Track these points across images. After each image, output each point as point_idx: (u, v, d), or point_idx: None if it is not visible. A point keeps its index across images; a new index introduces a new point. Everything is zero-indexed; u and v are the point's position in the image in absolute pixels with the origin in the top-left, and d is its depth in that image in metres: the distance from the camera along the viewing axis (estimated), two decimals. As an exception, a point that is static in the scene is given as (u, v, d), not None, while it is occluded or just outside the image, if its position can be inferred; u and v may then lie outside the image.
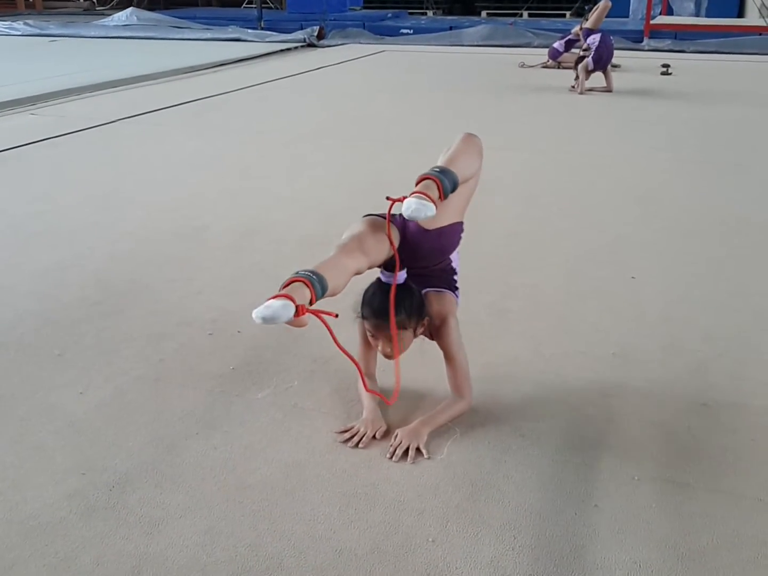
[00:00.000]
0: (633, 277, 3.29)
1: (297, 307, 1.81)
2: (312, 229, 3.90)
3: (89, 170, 5.12)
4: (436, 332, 2.27)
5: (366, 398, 2.29)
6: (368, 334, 2.22)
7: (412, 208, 1.98)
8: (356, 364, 2.08)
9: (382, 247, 2.13)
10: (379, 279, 2.19)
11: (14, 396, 2.39)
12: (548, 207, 4.30)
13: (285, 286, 1.87)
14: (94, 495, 1.94)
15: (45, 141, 5.86)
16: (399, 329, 2.12)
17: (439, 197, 2.04)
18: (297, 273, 1.90)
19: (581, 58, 8.26)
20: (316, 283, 1.89)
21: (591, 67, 8.05)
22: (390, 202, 2.11)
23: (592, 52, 8.02)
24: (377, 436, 2.17)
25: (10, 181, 4.89)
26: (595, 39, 8.13)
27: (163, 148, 5.79)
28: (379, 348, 2.20)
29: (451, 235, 2.27)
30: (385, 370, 2.39)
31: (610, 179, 4.89)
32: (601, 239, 3.78)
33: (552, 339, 2.76)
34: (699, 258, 3.55)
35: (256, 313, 1.81)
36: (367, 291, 2.21)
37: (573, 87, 8.28)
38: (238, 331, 2.80)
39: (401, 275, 2.14)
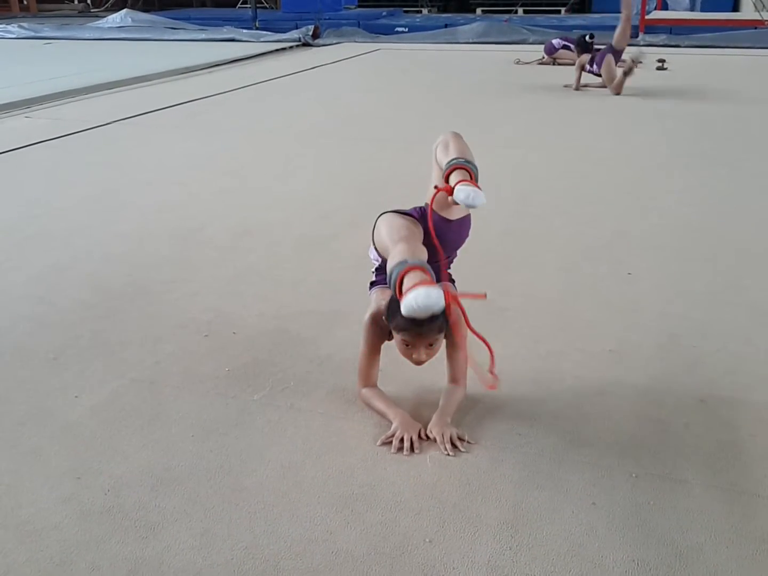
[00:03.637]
0: (629, 274, 3.28)
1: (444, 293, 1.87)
2: (307, 228, 3.90)
3: (84, 172, 5.10)
4: (450, 326, 2.25)
5: (389, 405, 2.26)
6: (403, 345, 2.13)
7: (471, 195, 2.03)
8: (488, 345, 2.05)
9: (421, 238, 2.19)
10: None
11: (9, 400, 2.38)
12: (544, 204, 4.29)
13: (403, 274, 1.90)
14: (89, 499, 1.93)
15: (40, 144, 5.85)
16: (440, 333, 2.12)
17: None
18: (406, 262, 1.93)
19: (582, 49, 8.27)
20: (430, 270, 1.95)
21: (588, 69, 8.02)
22: (435, 191, 2.17)
23: (595, 68, 7.93)
24: (422, 435, 2.15)
25: (4, 184, 4.87)
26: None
27: (159, 149, 5.77)
28: (414, 356, 2.14)
29: (467, 225, 2.34)
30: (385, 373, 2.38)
31: (606, 175, 4.88)
32: (597, 236, 3.77)
33: (548, 337, 2.75)
34: (695, 253, 3.54)
35: (415, 302, 1.83)
36: (396, 300, 2.08)
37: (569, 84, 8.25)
38: (234, 333, 2.79)
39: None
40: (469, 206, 2.07)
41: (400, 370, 2.38)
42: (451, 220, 2.24)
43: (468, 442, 2.13)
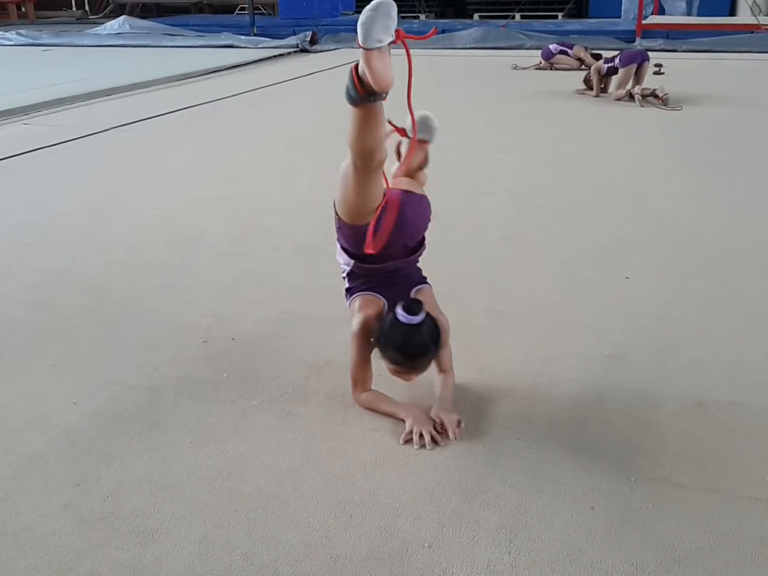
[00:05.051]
0: (627, 278, 3.29)
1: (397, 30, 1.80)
2: (306, 234, 3.90)
3: (83, 179, 5.11)
4: None
5: (395, 404, 2.29)
6: (395, 370, 2.19)
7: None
8: (414, 122, 2.03)
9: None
10: (397, 320, 2.10)
11: (8, 407, 2.38)
12: (542, 208, 4.29)
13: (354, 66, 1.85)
14: (88, 505, 1.93)
15: (38, 150, 5.85)
16: (431, 362, 2.20)
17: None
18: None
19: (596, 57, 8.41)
20: None
21: (603, 71, 7.97)
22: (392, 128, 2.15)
23: (617, 62, 7.85)
24: (437, 429, 2.19)
25: (3, 190, 4.87)
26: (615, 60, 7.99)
27: (157, 155, 5.78)
28: (399, 376, 2.22)
29: (428, 204, 2.35)
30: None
31: (605, 180, 4.89)
32: (595, 240, 3.78)
33: (547, 341, 2.76)
34: (693, 258, 3.55)
35: (369, 5, 1.76)
36: (387, 335, 2.13)
37: (582, 91, 8.21)
38: (233, 339, 2.79)
39: (418, 317, 2.10)
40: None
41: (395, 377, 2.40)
42: (410, 193, 2.27)
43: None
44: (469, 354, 2.44)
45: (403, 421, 2.22)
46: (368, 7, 1.76)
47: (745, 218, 4.10)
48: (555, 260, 3.52)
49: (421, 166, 2.49)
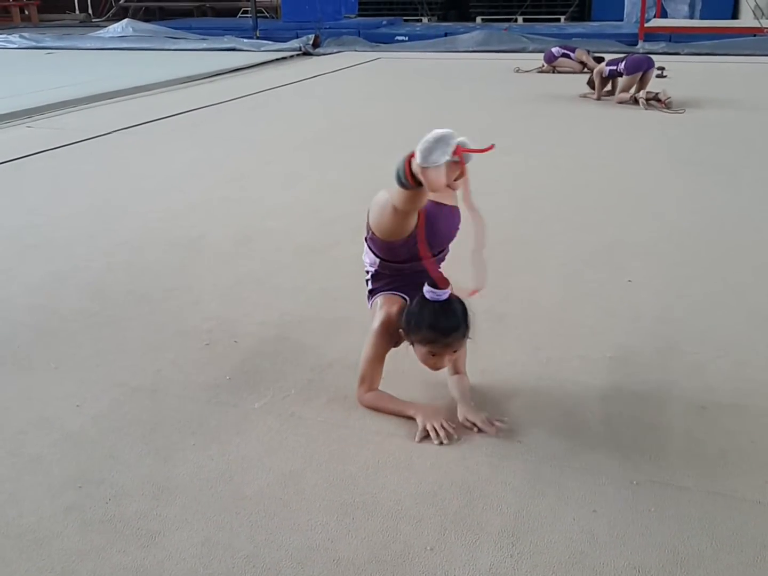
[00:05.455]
0: (629, 281, 3.29)
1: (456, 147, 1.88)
2: (308, 236, 3.91)
3: (85, 182, 5.12)
4: None
5: (402, 402, 2.29)
6: (428, 355, 2.18)
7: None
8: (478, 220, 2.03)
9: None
10: (424, 299, 2.13)
11: (10, 409, 2.38)
12: (543, 210, 4.30)
13: (408, 158, 1.92)
14: (90, 508, 1.93)
15: (41, 153, 5.86)
16: (464, 338, 2.19)
17: None
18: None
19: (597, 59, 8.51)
20: None
21: (606, 74, 7.95)
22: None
23: (621, 67, 7.80)
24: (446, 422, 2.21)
25: (6, 193, 4.89)
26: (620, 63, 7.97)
27: (160, 158, 5.79)
28: (437, 364, 2.21)
29: (459, 215, 2.34)
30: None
31: (606, 182, 4.89)
32: (596, 242, 3.77)
33: (549, 343, 2.76)
34: (695, 260, 3.54)
35: (430, 135, 1.85)
36: (418, 316, 2.14)
37: (585, 95, 8.20)
38: (235, 341, 2.80)
39: (446, 291, 2.13)
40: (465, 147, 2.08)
41: (402, 377, 2.39)
42: (443, 205, 2.26)
43: (501, 420, 2.20)
44: (471, 356, 2.43)
45: (411, 418, 2.23)
46: (430, 136, 1.86)
47: (747, 220, 4.10)
48: (556, 262, 3.53)
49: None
